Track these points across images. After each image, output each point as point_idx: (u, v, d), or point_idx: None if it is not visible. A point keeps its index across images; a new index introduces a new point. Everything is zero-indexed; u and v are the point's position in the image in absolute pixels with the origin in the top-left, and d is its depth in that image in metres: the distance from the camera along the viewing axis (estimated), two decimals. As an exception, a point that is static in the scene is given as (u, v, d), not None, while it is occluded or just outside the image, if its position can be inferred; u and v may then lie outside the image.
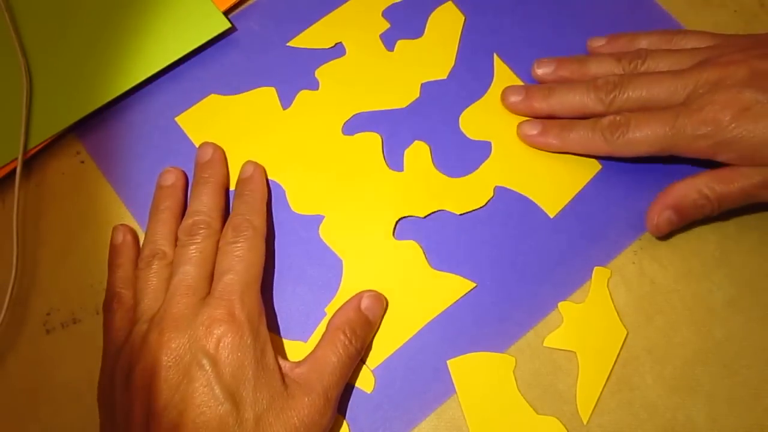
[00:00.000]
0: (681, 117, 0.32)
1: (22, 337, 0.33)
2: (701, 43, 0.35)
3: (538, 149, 0.36)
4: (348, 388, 0.32)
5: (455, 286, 0.33)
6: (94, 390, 0.32)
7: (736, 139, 0.31)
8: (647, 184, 0.35)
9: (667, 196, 0.33)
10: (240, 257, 0.30)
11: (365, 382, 0.32)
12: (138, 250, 0.33)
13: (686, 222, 0.33)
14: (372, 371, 0.32)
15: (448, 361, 0.32)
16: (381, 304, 0.32)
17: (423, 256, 0.34)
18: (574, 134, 0.34)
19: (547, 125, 0.35)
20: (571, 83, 0.35)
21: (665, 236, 0.34)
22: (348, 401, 0.32)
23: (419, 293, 0.33)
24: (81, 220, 0.35)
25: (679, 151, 0.32)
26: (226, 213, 0.34)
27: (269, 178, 0.35)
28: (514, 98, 0.36)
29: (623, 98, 0.33)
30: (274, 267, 0.34)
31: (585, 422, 0.31)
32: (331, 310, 0.33)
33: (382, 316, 0.33)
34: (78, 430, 0.31)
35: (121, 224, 0.34)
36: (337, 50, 0.38)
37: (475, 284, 0.33)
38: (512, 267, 0.34)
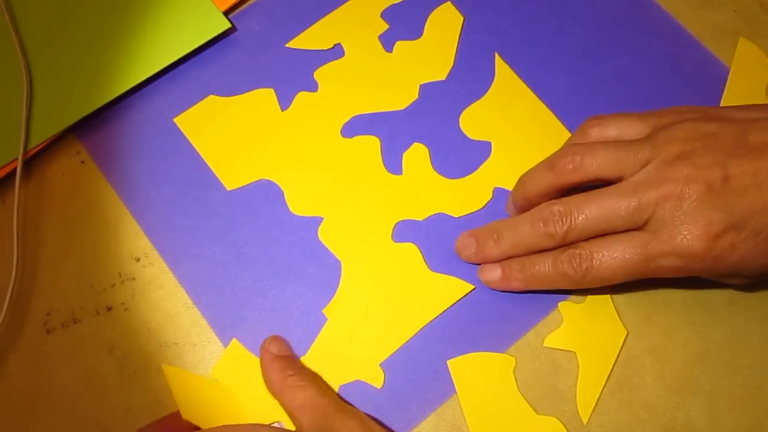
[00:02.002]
0: (651, 246, 0.29)
1: (22, 337, 0.33)
2: (625, 130, 0.32)
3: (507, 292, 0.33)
4: (349, 389, 0.32)
5: (453, 289, 0.33)
6: (94, 390, 0.32)
7: (712, 266, 0.29)
8: (647, 184, 0.35)
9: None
10: None
11: (374, 377, 0.32)
12: None
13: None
14: (380, 366, 0.32)
15: (448, 361, 0.32)
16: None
17: (422, 258, 0.34)
18: (537, 271, 0.31)
19: (507, 268, 0.32)
20: (516, 219, 0.32)
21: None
22: (348, 402, 0.32)
23: (417, 296, 0.33)
24: (81, 220, 0.35)
25: (650, 276, 0.30)
26: None
27: (268, 179, 0.35)
28: (468, 252, 0.33)
29: (577, 228, 0.30)
30: (274, 267, 0.34)
31: (585, 422, 0.31)
32: (328, 311, 0.33)
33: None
34: (78, 430, 0.31)
35: None
36: (336, 51, 0.38)
37: (473, 287, 0.33)
38: (512, 267, 0.34)
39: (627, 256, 0.29)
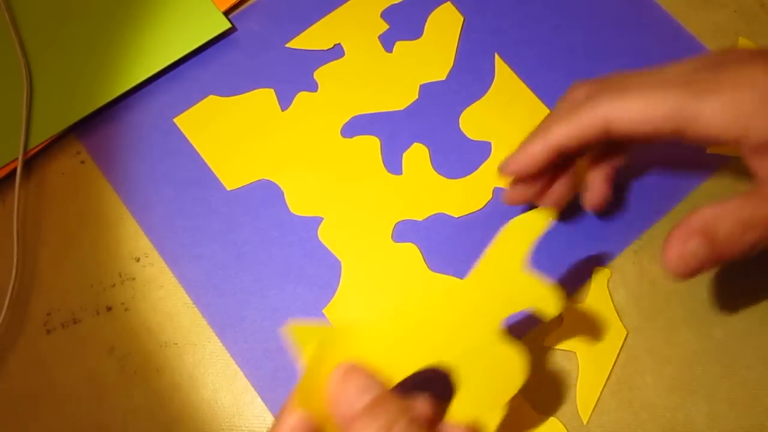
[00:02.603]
0: (693, 85, 0.25)
1: (23, 337, 0.33)
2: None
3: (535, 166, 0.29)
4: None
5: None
6: (94, 390, 0.32)
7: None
8: (648, 183, 0.35)
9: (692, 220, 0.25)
10: None
11: None
12: None
13: (721, 259, 0.25)
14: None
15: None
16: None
17: (422, 258, 0.34)
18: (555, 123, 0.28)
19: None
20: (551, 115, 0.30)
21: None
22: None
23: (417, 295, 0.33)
24: (81, 220, 0.35)
25: (695, 126, 0.25)
26: None
27: (268, 179, 0.35)
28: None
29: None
30: (274, 267, 0.34)
31: (585, 422, 0.31)
32: (328, 311, 0.33)
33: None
34: (78, 430, 0.31)
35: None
36: (336, 51, 0.38)
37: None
38: (512, 267, 0.34)
39: (664, 88, 0.26)
